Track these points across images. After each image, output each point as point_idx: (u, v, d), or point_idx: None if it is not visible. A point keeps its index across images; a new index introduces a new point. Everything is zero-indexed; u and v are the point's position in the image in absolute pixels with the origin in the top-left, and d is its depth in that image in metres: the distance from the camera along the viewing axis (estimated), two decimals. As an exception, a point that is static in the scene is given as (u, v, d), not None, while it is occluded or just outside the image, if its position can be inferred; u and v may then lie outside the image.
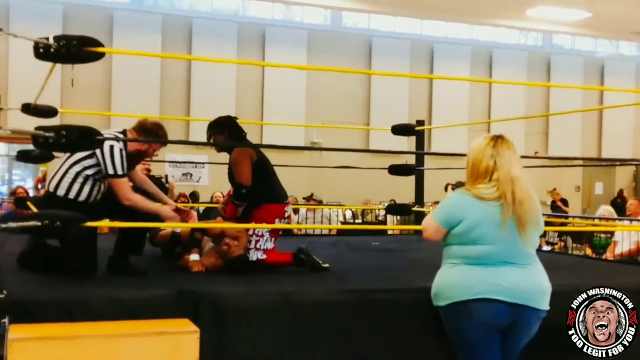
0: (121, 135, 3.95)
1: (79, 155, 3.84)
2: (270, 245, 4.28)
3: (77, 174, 3.84)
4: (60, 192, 3.85)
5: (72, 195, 3.83)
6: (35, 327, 2.79)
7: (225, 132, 4.46)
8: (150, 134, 4.00)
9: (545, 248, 9.00)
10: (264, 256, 4.24)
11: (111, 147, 3.79)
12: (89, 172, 3.84)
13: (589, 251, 7.55)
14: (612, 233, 7.21)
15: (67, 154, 3.89)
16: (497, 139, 3.05)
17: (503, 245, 2.97)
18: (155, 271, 4.03)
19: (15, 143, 12.16)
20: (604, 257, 6.91)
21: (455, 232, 3.02)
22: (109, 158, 3.78)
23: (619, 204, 14.68)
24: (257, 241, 4.24)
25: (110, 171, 3.78)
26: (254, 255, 4.22)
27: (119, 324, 2.90)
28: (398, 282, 3.91)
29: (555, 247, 9.39)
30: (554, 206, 15.21)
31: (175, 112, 14.21)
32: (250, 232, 4.23)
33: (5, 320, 2.83)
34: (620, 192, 15.67)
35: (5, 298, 2.92)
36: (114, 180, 3.81)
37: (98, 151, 3.78)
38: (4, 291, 2.97)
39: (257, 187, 4.29)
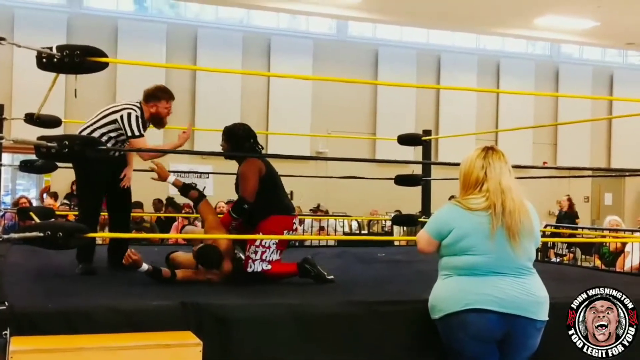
0: (138, 105, 4.65)
1: (102, 122, 4.58)
2: (275, 257, 4.24)
3: (102, 135, 4.53)
4: None
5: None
6: (36, 339, 2.77)
7: (233, 142, 4.42)
8: (154, 97, 4.69)
9: (554, 260, 8.93)
10: (269, 267, 4.20)
11: (129, 114, 4.55)
12: (113, 134, 4.57)
13: (598, 262, 7.48)
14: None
15: (92, 119, 4.64)
16: (488, 150, 3.11)
17: (493, 255, 2.98)
18: (158, 282, 3.99)
19: (19, 153, 12.17)
20: (613, 268, 6.84)
21: (446, 243, 3.06)
22: (127, 123, 4.51)
23: (567, 215, 14.46)
24: (263, 252, 4.21)
25: (129, 133, 4.51)
26: (259, 266, 4.18)
27: (121, 336, 2.88)
28: (403, 294, 3.87)
29: (565, 258, 9.31)
30: (562, 216, 15.07)
31: (180, 121, 14.07)
32: (257, 243, 4.20)
33: (7, 332, 2.80)
34: (569, 201, 15.29)
35: (6, 309, 2.89)
36: (133, 140, 4.53)
37: (118, 118, 4.53)
38: (6, 302, 2.94)
39: (266, 199, 4.27)
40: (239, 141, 4.39)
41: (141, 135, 4.55)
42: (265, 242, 4.20)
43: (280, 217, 4.29)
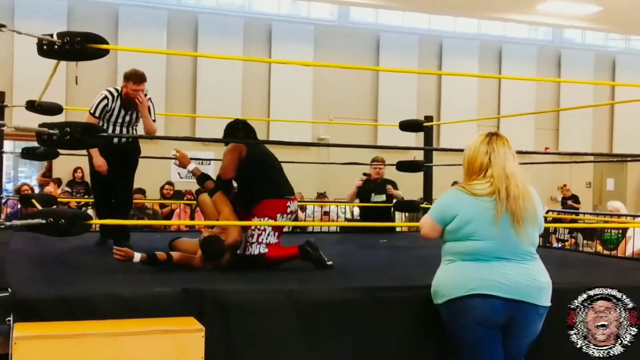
0: (118, 88, 5.13)
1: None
2: (273, 239, 4.24)
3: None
4: None
5: None
6: (39, 326, 2.78)
7: (227, 136, 4.54)
8: (125, 78, 5.07)
9: (556, 245, 8.94)
10: (266, 250, 4.20)
11: (100, 94, 5.09)
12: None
13: (599, 248, 7.48)
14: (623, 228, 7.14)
15: None
16: (492, 135, 3.10)
17: (498, 241, 2.97)
18: (160, 269, 3.99)
19: (21, 140, 12.18)
20: (614, 252, 6.84)
21: (450, 228, 3.05)
22: (94, 100, 5.09)
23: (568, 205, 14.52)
24: (259, 235, 4.21)
25: (90, 109, 5.10)
26: (256, 249, 4.19)
27: (124, 322, 2.89)
28: (405, 279, 3.88)
29: (566, 244, 9.32)
30: (564, 203, 15.11)
31: (181, 108, 14.17)
32: (252, 227, 4.21)
33: (10, 318, 2.81)
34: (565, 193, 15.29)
35: (9, 296, 2.90)
36: (88, 115, 5.08)
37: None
38: (9, 289, 2.95)
39: (254, 183, 4.30)
40: (230, 135, 4.51)
41: (94, 116, 5.05)
42: (260, 225, 4.21)
43: (271, 201, 4.28)
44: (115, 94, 5.10)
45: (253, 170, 4.32)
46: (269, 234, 4.22)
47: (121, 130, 5.14)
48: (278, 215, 4.28)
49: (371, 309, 3.31)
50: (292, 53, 14.47)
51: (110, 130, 5.09)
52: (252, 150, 4.38)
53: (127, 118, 5.16)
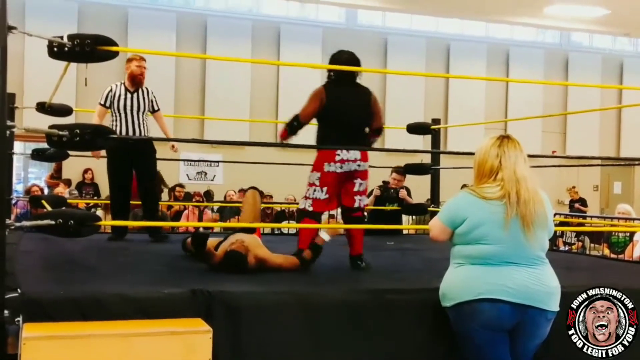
0: (121, 81, 5.82)
1: None
2: (321, 195, 4.31)
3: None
4: None
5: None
6: (49, 326, 2.80)
7: (331, 71, 4.52)
8: (127, 61, 5.81)
9: (563, 248, 8.91)
10: (311, 208, 4.32)
11: (107, 88, 5.75)
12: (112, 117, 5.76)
13: (607, 251, 7.46)
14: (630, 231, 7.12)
15: None
16: (503, 138, 3.06)
17: (507, 245, 2.95)
18: (169, 270, 4.02)
19: (31, 141, 12.24)
20: (621, 256, 6.82)
21: (459, 231, 3.03)
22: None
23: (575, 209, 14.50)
24: (307, 190, 4.35)
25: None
26: (302, 204, 4.35)
27: (132, 323, 2.90)
28: (412, 282, 3.88)
29: (573, 247, 9.29)
30: (572, 206, 15.06)
31: (189, 110, 14.21)
32: (308, 182, 4.36)
33: (19, 318, 2.83)
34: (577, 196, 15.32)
35: (19, 297, 2.92)
36: (98, 107, 5.72)
37: None
38: (18, 290, 2.97)
39: (318, 135, 4.38)
40: (331, 70, 4.51)
41: (102, 104, 5.69)
42: (310, 179, 4.32)
43: (323, 152, 4.32)
44: (118, 83, 5.76)
45: (320, 120, 4.36)
46: (315, 190, 4.30)
47: (132, 117, 5.62)
48: (325, 164, 4.28)
49: (379, 311, 3.31)
50: (300, 55, 14.48)
51: (120, 118, 5.62)
52: (331, 99, 4.31)
53: (135, 103, 5.66)
